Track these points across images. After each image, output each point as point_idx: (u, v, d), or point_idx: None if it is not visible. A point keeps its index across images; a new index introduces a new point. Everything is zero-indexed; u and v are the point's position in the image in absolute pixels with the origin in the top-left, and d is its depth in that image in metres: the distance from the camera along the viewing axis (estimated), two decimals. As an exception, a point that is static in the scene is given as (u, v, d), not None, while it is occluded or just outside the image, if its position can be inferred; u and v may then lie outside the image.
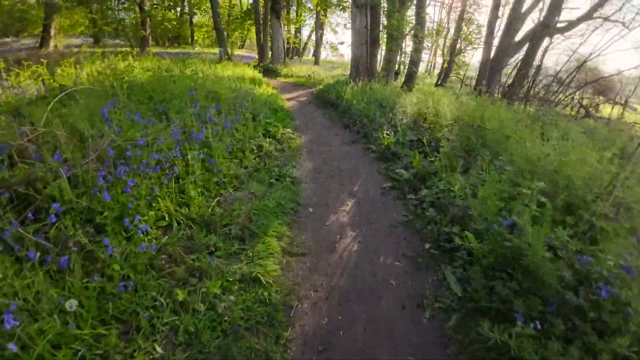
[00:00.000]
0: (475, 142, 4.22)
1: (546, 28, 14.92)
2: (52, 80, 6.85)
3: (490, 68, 17.00)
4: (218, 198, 3.54)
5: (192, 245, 2.88)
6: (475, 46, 25.56)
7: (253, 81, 10.56)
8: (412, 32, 15.58)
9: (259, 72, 16.59)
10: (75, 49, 20.34)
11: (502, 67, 17.77)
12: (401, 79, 16.05)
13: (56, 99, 3.78)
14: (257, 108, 6.78)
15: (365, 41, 11.54)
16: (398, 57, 16.77)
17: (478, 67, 30.34)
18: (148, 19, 13.06)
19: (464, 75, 18.83)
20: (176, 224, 3.07)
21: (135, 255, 2.47)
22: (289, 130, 6.62)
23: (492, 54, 15.89)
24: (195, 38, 33.68)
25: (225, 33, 22.53)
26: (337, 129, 7.43)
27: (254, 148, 5.11)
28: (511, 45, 17.21)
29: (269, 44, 19.47)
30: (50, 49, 20.27)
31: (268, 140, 5.62)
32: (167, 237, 2.87)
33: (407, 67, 17.25)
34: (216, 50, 28.30)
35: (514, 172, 3.33)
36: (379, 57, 14.77)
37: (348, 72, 21.47)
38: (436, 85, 21.82)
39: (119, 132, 3.72)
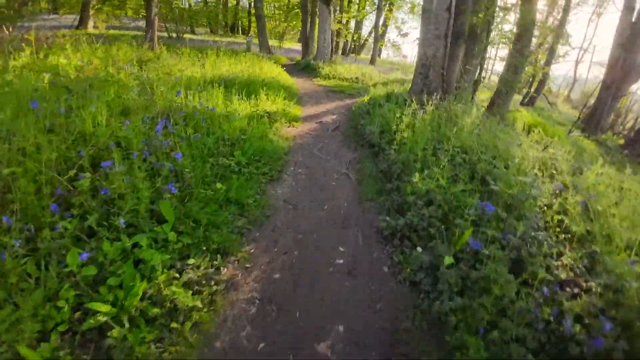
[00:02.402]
0: None
1: None
2: None
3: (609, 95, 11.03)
4: None
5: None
6: (560, 60, 19.00)
7: (250, 86, 6.14)
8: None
9: (295, 68, 12.13)
10: (112, 32, 17.47)
11: (622, 95, 11.54)
12: (479, 93, 10.64)
13: None
14: (133, 195, 2.30)
15: (445, 33, 6.50)
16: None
17: (559, 83, 23.01)
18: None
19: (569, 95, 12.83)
20: None
21: None
22: (210, 270, 2.10)
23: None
24: (253, 27, 30.11)
25: (265, 22, 18.27)
26: (366, 238, 2.74)
27: None
28: (637, 65, 11.04)
29: (316, 37, 14.85)
30: (89, 29, 17.59)
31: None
32: None
33: (492, 77, 11.68)
34: (272, 41, 24.28)
35: None
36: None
37: (409, 77, 16.12)
38: (522, 103, 15.71)
39: None
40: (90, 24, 17.99)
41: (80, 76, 4.44)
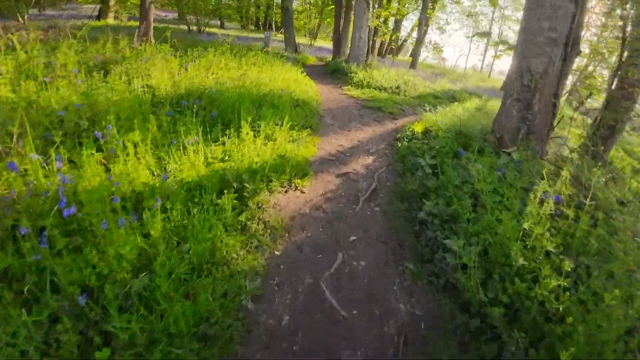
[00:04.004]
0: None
1: None
2: None
3: None
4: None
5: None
6: None
7: (235, 106, 3.61)
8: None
9: (323, 70, 9.46)
10: (131, 23, 15.60)
11: None
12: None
13: None
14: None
15: (566, 37, 3.66)
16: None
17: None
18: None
19: None
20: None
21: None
22: None
23: None
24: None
25: (293, 17, 15.65)
26: None
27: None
28: None
29: (350, 34, 12.07)
30: (109, 20, 15.86)
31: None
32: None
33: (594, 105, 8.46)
34: (300, 38, 21.56)
35: None
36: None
37: (457, 86, 12.89)
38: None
39: None
40: (111, 15, 16.24)
41: None
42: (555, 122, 4.01)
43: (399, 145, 4.34)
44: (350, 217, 2.69)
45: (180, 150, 2.52)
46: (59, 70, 4.11)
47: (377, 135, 5.02)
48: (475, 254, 1.74)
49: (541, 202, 2.17)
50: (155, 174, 2.31)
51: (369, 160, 4.01)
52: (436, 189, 2.63)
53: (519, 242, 1.87)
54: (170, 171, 2.35)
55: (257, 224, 2.28)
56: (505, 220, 1.84)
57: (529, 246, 1.88)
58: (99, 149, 2.45)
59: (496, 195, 2.29)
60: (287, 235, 2.34)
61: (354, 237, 2.42)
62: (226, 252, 1.92)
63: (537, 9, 3.75)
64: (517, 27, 21.78)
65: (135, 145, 2.26)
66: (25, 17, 11.27)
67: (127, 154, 2.19)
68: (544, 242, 1.83)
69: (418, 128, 4.67)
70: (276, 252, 2.16)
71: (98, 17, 16.08)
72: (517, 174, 2.77)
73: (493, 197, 2.22)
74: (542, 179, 2.57)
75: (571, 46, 3.91)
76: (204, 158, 2.62)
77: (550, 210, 2.04)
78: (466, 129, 4.01)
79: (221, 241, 1.97)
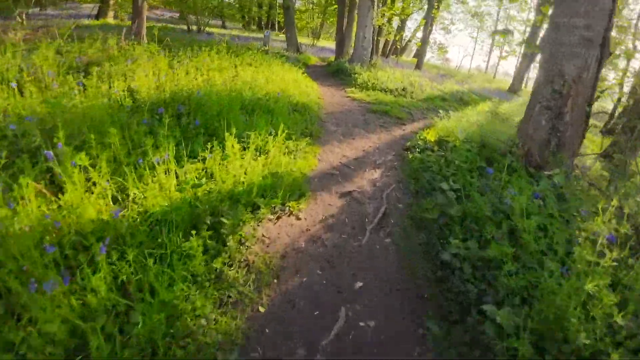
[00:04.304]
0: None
1: None
2: None
3: None
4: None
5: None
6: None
7: (222, 114, 3.12)
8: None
9: (325, 71, 8.96)
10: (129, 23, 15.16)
11: None
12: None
13: None
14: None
15: (603, 37, 3.15)
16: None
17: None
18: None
19: None
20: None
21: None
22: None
23: None
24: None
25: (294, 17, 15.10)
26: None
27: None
28: None
29: (353, 34, 11.54)
30: (109, 20, 15.43)
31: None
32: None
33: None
34: (302, 38, 21.01)
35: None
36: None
37: (464, 88, 12.30)
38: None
39: None
40: (111, 14, 15.82)
41: None
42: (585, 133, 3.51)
43: (410, 156, 3.85)
44: (355, 253, 2.20)
45: (146, 170, 2.04)
46: (29, 73, 3.66)
47: (384, 144, 4.52)
48: (527, 333, 1.24)
49: (593, 243, 1.68)
50: (118, 203, 1.83)
51: (376, 174, 3.52)
52: (461, 219, 2.14)
53: (578, 309, 1.37)
54: (131, 200, 1.87)
55: (237, 269, 1.80)
56: (564, 283, 1.34)
57: (590, 315, 1.38)
58: (50, 174, 1.99)
59: (539, 232, 1.79)
60: (275, 281, 1.85)
61: (360, 284, 1.93)
62: (192, 318, 1.44)
63: (571, 4, 3.24)
64: (522, 28, 21.15)
65: (86, 170, 1.78)
66: (24, 16, 10.87)
67: (75, 181, 1.71)
68: (609, 309, 1.34)
69: (430, 136, 4.17)
70: (260, 309, 1.67)
71: (97, 16, 15.67)
72: (555, 200, 2.27)
73: (536, 235, 1.72)
74: (591, 209, 2.08)
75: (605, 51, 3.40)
76: (177, 180, 2.14)
77: (613, 262, 1.54)
78: (488, 139, 3.50)
79: (187, 299, 1.49)
